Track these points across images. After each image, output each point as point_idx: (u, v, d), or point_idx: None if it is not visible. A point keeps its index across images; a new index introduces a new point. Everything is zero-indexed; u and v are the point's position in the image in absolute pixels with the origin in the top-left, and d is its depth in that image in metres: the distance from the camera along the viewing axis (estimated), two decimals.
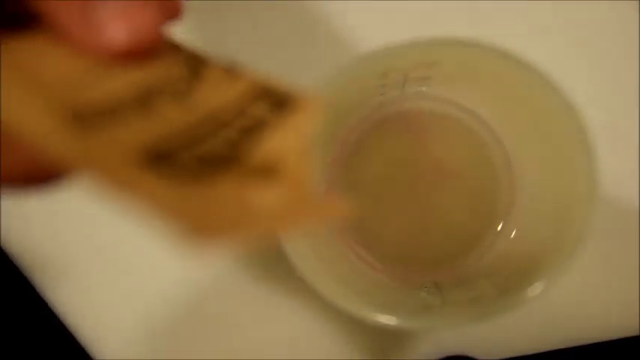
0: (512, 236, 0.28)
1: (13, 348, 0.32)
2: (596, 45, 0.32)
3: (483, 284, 0.27)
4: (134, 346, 0.32)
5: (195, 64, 0.12)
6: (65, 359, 0.32)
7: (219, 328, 0.32)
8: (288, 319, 0.32)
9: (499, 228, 0.29)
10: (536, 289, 0.23)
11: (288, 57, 0.32)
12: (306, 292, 0.24)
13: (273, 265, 0.31)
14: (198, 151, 0.10)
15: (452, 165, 0.29)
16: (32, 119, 0.10)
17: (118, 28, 0.12)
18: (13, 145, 0.12)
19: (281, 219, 0.09)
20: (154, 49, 0.12)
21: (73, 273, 0.32)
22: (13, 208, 0.32)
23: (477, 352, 0.31)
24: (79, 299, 0.32)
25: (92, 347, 0.32)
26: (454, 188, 0.29)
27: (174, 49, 0.13)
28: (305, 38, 0.32)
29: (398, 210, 0.30)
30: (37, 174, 0.13)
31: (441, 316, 0.25)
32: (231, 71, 0.12)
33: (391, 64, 0.25)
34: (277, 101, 0.11)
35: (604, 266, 0.31)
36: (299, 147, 0.10)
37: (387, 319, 0.23)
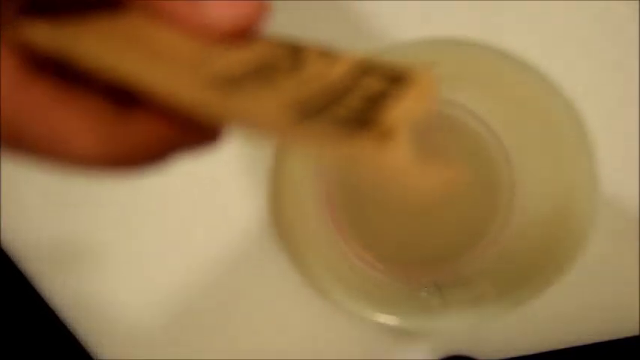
0: (512, 236, 0.28)
1: (13, 348, 0.32)
2: (596, 45, 0.32)
3: (483, 284, 0.27)
4: (134, 346, 0.32)
5: (292, 47, 0.13)
6: (65, 359, 0.32)
7: (220, 328, 0.32)
8: (288, 319, 0.32)
9: (499, 228, 0.29)
10: (536, 289, 0.23)
11: None
12: (307, 293, 0.24)
13: (274, 265, 0.31)
14: (335, 112, 0.11)
15: (452, 165, 0.29)
16: (185, 89, 0.11)
17: (222, 9, 0.12)
18: (170, 114, 0.12)
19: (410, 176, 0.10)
20: (254, 32, 0.13)
21: (73, 273, 0.32)
22: (13, 207, 0.32)
23: (477, 352, 0.31)
24: (79, 299, 0.32)
25: (92, 347, 0.32)
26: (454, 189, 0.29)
27: (267, 37, 0.13)
28: (304, 38, 0.32)
29: (398, 210, 0.30)
30: (196, 137, 0.13)
31: (441, 316, 0.25)
32: (326, 53, 0.13)
33: None
34: (392, 76, 0.12)
35: (604, 266, 0.31)
36: (422, 114, 0.12)
37: (387, 319, 0.23)
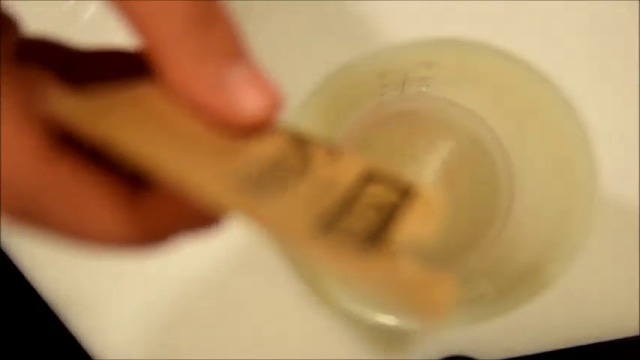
0: (512, 237, 0.28)
1: (13, 348, 0.32)
2: (596, 45, 0.32)
3: (483, 284, 0.27)
4: (135, 346, 0.32)
5: (297, 141, 0.13)
6: (65, 359, 0.32)
7: (219, 328, 0.32)
8: (288, 319, 0.32)
9: (499, 228, 0.29)
10: (536, 289, 0.23)
11: (288, 57, 0.32)
12: (307, 293, 0.24)
13: (274, 266, 0.31)
14: (350, 224, 0.11)
15: (452, 165, 0.29)
16: (214, 187, 0.11)
17: (253, 97, 0.12)
18: (181, 200, 0.13)
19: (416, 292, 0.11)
20: (272, 122, 0.12)
21: (73, 273, 0.32)
22: None
23: (477, 352, 0.31)
24: (79, 299, 0.32)
25: (92, 347, 0.32)
26: (454, 189, 0.29)
27: (277, 127, 0.13)
28: (304, 38, 0.32)
29: None
30: (203, 222, 0.14)
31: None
32: (329, 151, 0.13)
33: (391, 64, 0.25)
34: (401, 188, 0.12)
35: (604, 266, 0.31)
36: (430, 233, 0.12)
37: (387, 319, 0.23)
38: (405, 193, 0.12)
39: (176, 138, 0.12)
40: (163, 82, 0.12)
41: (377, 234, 0.11)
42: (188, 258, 0.32)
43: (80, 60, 0.14)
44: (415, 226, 0.12)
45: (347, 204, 0.12)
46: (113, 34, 0.31)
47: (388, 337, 0.31)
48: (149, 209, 0.13)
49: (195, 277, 0.32)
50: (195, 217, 0.13)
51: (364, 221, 0.12)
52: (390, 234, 0.11)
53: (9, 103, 0.11)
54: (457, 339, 0.31)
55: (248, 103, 0.12)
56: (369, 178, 0.13)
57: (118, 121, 0.12)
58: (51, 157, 0.11)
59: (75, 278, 0.32)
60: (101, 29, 0.32)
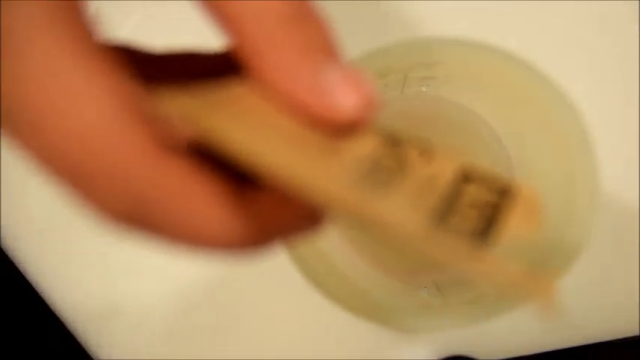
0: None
1: (13, 348, 0.32)
2: (596, 45, 0.32)
3: (483, 284, 0.27)
4: (134, 346, 0.32)
5: (391, 141, 0.13)
6: (65, 359, 0.32)
7: (219, 328, 0.32)
8: (288, 319, 0.32)
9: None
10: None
11: None
12: (307, 292, 0.24)
13: (274, 265, 0.31)
14: (457, 223, 0.12)
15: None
16: (319, 179, 0.11)
17: (350, 97, 0.12)
18: (290, 199, 0.12)
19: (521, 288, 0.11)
20: (367, 121, 0.12)
21: (73, 273, 0.32)
22: (13, 208, 0.32)
23: (477, 352, 0.31)
24: (80, 299, 0.32)
25: (92, 347, 0.32)
26: None
27: (371, 127, 0.13)
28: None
29: None
30: (311, 221, 0.13)
31: (441, 316, 0.25)
32: (426, 152, 0.13)
33: (391, 64, 0.25)
34: (499, 188, 0.13)
35: (604, 266, 0.31)
36: (531, 232, 0.12)
37: (387, 319, 0.23)
38: (504, 192, 0.13)
39: (280, 136, 0.12)
40: (257, 82, 0.12)
41: (483, 233, 0.12)
42: (189, 259, 0.32)
43: (161, 63, 0.14)
44: (519, 226, 0.12)
45: (450, 203, 0.12)
46: (114, 32, 0.31)
47: (388, 337, 0.31)
48: (259, 209, 0.12)
49: (196, 278, 0.32)
50: (304, 216, 0.13)
51: (469, 220, 0.12)
52: (496, 233, 0.12)
53: (118, 103, 0.10)
54: (457, 339, 0.31)
55: (345, 101, 0.12)
56: (466, 177, 0.13)
57: (223, 118, 0.12)
58: (160, 154, 0.11)
59: (75, 278, 0.32)
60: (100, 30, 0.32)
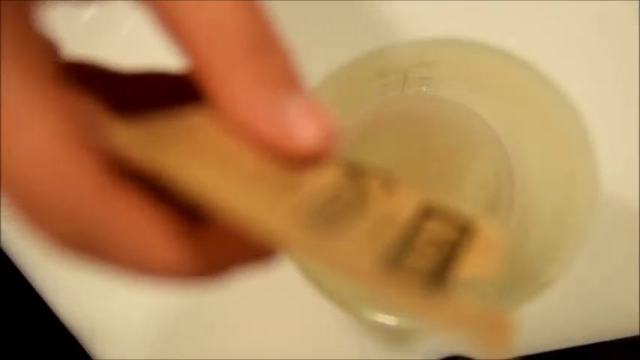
0: (512, 237, 0.28)
1: (13, 348, 0.32)
2: (595, 45, 0.32)
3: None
4: (134, 346, 0.32)
5: (355, 174, 0.13)
6: (65, 359, 0.32)
7: (219, 328, 0.32)
8: (288, 318, 0.32)
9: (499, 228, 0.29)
10: (536, 288, 0.23)
11: None
12: (307, 292, 0.24)
13: (274, 265, 0.31)
14: (413, 262, 0.11)
15: (452, 165, 0.29)
16: (268, 218, 0.11)
17: (310, 130, 0.12)
18: (234, 235, 0.12)
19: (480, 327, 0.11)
20: (328, 154, 0.12)
21: (73, 273, 0.32)
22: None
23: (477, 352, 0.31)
24: (79, 299, 0.32)
25: (92, 347, 0.32)
26: (454, 188, 0.29)
27: (333, 158, 0.13)
28: (304, 38, 0.32)
29: None
30: (261, 256, 0.13)
31: None
32: (387, 184, 0.13)
33: (391, 64, 0.25)
34: (459, 224, 0.12)
35: (604, 266, 0.31)
36: (491, 271, 0.12)
37: (387, 319, 0.23)
38: (464, 230, 0.12)
39: (234, 171, 0.12)
40: (214, 108, 0.12)
41: (439, 272, 0.11)
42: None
43: (123, 82, 0.14)
44: (478, 265, 0.12)
45: (407, 241, 0.12)
46: (112, 35, 0.31)
47: (388, 337, 0.31)
48: (208, 242, 0.12)
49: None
50: (254, 251, 0.13)
51: (426, 259, 0.11)
52: (453, 272, 0.11)
53: (65, 131, 0.10)
54: (457, 339, 0.31)
55: (304, 133, 0.12)
56: (426, 213, 0.12)
57: (176, 153, 0.11)
58: (107, 183, 0.11)
59: (75, 278, 0.32)
60: (100, 30, 0.32)
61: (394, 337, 0.31)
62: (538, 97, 0.24)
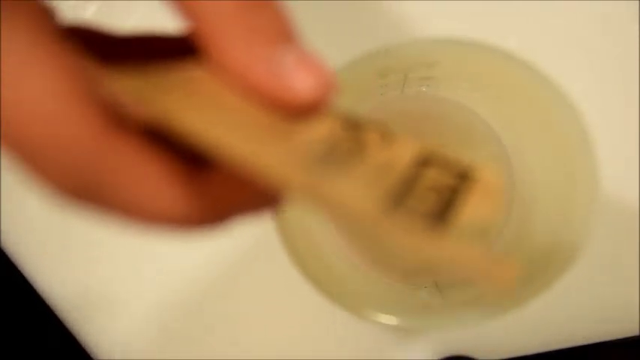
0: (511, 237, 0.28)
1: (13, 348, 0.32)
2: (596, 45, 0.32)
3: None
4: (134, 346, 0.32)
5: (353, 126, 0.13)
6: (65, 359, 0.32)
7: (219, 327, 0.32)
8: (288, 318, 0.32)
9: (499, 228, 0.29)
10: (536, 288, 0.23)
11: None
12: (307, 292, 0.24)
13: (274, 265, 0.31)
14: (414, 206, 0.12)
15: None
16: (272, 160, 0.11)
17: (305, 80, 0.12)
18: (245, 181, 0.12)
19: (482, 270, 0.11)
20: (324, 104, 0.12)
21: (73, 273, 0.32)
22: (13, 207, 0.32)
23: (477, 352, 0.31)
24: (79, 299, 0.32)
25: (92, 347, 0.32)
26: None
27: (331, 110, 0.13)
28: (304, 38, 0.32)
29: None
30: (264, 202, 0.13)
31: (441, 316, 0.25)
32: (386, 135, 0.13)
33: (391, 64, 0.25)
34: (458, 171, 0.12)
35: (604, 266, 0.31)
36: (489, 216, 0.12)
37: (387, 319, 0.23)
38: (464, 176, 0.12)
39: (235, 118, 0.12)
40: (213, 64, 0.12)
41: (441, 214, 0.11)
42: (189, 259, 0.32)
43: (121, 45, 0.14)
44: (477, 209, 0.12)
45: (408, 185, 0.12)
46: (120, 22, 0.31)
47: (388, 337, 0.31)
48: (210, 188, 0.12)
49: (196, 278, 0.32)
50: (256, 197, 0.13)
51: (427, 203, 0.12)
52: (454, 215, 0.12)
53: (68, 85, 0.11)
54: (457, 339, 0.31)
55: (301, 83, 0.12)
56: (426, 161, 0.13)
57: (177, 100, 0.12)
58: (110, 132, 0.11)
59: (75, 278, 0.32)
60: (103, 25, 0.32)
61: (394, 337, 0.31)
62: (538, 97, 0.24)
